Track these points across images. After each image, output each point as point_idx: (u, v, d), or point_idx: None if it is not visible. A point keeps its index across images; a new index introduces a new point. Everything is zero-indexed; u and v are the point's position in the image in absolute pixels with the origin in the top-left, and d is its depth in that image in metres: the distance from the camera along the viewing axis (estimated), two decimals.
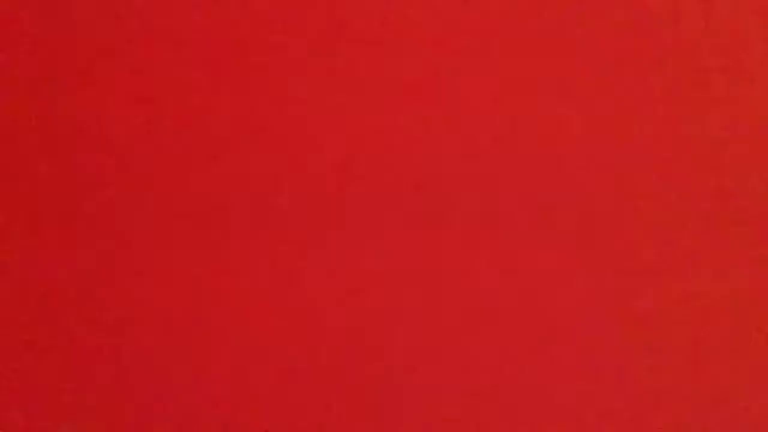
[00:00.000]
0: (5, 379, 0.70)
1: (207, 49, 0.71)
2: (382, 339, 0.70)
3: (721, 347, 0.69)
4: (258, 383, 0.70)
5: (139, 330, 0.70)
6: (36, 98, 0.71)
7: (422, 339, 0.70)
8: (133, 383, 0.70)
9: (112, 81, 0.71)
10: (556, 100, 0.70)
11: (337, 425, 0.70)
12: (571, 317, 0.69)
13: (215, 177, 0.70)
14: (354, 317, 0.70)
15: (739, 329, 0.69)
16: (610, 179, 0.70)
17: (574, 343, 0.69)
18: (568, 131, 0.70)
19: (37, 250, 0.70)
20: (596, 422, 0.69)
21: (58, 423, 0.70)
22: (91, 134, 0.71)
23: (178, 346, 0.70)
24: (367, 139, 0.70)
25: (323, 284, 0.70)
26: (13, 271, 0.70)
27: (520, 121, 0.69)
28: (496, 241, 0.70)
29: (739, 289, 0.69)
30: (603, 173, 0.70)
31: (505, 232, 0.70)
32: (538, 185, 0.70)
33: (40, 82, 0.71)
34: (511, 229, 0.70)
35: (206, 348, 0.70)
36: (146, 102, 0.71)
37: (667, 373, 0.69)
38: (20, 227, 0.71)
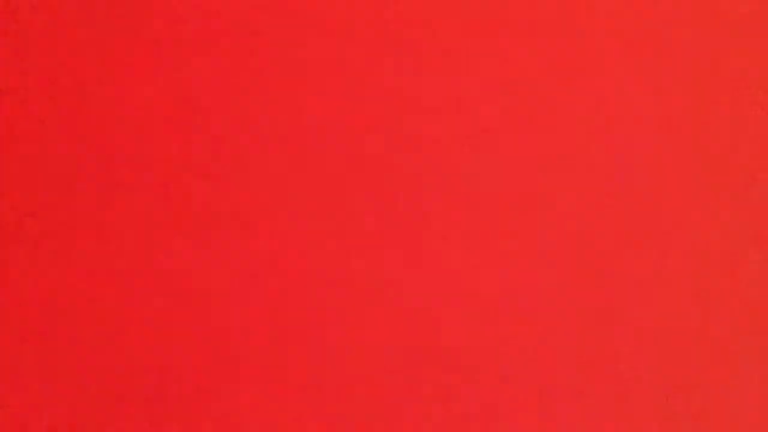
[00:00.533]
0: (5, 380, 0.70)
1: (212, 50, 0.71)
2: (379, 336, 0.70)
3: (721, 346, 0.69)
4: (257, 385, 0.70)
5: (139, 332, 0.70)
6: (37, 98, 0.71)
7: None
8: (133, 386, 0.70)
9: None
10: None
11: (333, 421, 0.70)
12: (568, 322, 0.70)
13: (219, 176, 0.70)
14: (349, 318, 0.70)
15: (740, 328, 0.69)
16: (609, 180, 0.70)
17: (574, 345, 0.70)
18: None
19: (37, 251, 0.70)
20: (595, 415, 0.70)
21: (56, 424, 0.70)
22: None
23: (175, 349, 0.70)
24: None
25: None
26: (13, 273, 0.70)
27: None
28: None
29: (740, 288, 0.69)
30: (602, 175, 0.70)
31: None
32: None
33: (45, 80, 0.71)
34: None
35: (204, 350, 0.70)
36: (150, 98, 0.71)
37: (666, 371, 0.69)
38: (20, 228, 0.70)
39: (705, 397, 0.69)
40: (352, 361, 0.70)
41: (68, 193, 0.70)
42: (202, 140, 0.70)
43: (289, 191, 0.70)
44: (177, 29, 0.71)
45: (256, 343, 0.70)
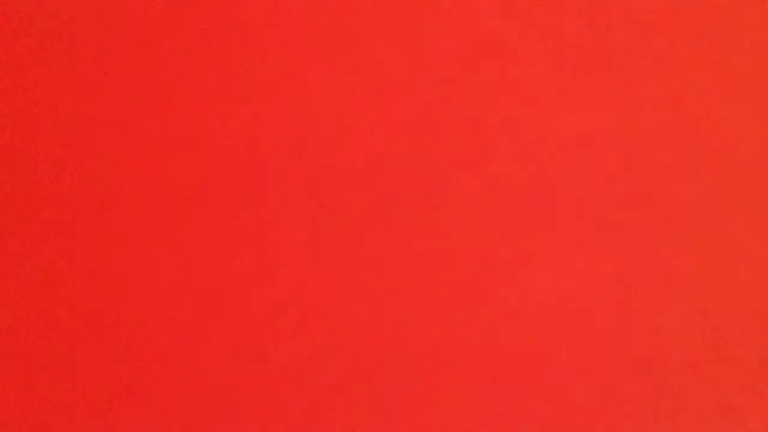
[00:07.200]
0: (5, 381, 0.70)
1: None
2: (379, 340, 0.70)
3: (720, 344, 0.69)
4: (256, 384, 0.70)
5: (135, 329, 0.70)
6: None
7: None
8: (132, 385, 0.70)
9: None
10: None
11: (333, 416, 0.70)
12: (569, 313, 0.70)
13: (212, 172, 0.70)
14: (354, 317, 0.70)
15: (739, 324, 0.69)
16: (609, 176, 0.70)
17: (573, 341, 0.70)
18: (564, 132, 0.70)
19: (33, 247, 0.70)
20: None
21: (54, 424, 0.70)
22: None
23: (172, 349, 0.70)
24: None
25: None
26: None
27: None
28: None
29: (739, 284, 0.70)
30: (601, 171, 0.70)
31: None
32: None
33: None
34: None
35: (202, 351, 0.70)
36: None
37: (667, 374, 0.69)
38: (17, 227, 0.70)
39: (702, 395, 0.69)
40: (351, 361, 0.70)
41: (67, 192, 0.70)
42: (202, 144, 0.71)
43: (288, 195, 0.70)
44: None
45: (256, 341, 0.70)
